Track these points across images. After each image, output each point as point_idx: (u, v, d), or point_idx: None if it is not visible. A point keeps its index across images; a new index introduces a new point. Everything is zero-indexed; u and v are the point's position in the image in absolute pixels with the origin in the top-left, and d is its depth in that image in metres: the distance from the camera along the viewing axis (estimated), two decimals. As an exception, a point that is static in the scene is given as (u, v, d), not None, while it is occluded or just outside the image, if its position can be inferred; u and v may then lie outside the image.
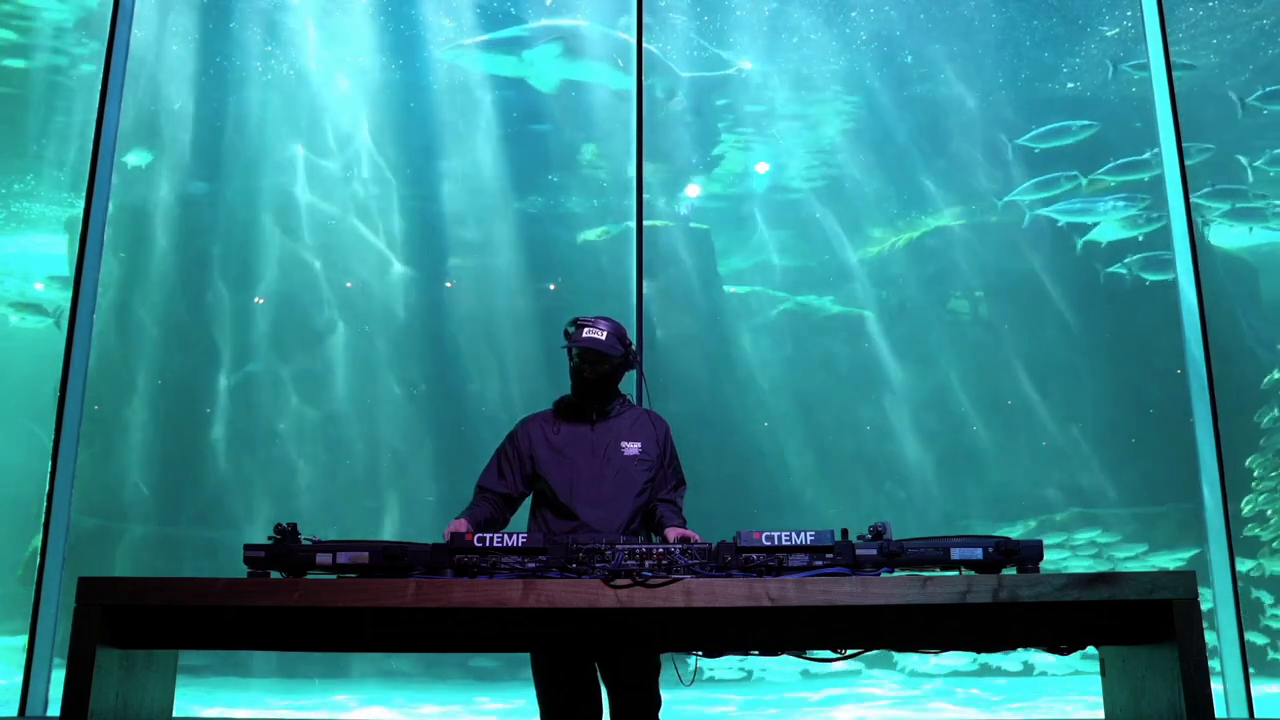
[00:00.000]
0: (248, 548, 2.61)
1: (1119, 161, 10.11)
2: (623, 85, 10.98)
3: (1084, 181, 10.40)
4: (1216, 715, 2.40)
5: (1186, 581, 2.43)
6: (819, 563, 2.56)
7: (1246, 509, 8.72)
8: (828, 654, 2.65)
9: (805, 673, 9.05)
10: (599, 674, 3.24)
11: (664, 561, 2.53)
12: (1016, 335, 11.04)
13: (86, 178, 4.91)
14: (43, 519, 4.60)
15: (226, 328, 10.31)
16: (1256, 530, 8.72)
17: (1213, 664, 2.73)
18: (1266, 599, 8.71)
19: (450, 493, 8.89)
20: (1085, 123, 10.33)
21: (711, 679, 8.95)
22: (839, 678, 9.05)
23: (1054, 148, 10.55)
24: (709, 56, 12.08)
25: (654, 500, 3.36)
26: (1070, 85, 12.00)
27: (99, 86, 5.01)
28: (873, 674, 9.23)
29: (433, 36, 11.22)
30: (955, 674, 9.04)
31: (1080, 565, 9.22)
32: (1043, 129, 10.50)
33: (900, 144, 12.03)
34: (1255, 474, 8.81)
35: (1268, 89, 9.65)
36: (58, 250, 11.14)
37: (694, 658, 2.85)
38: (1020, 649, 2.71)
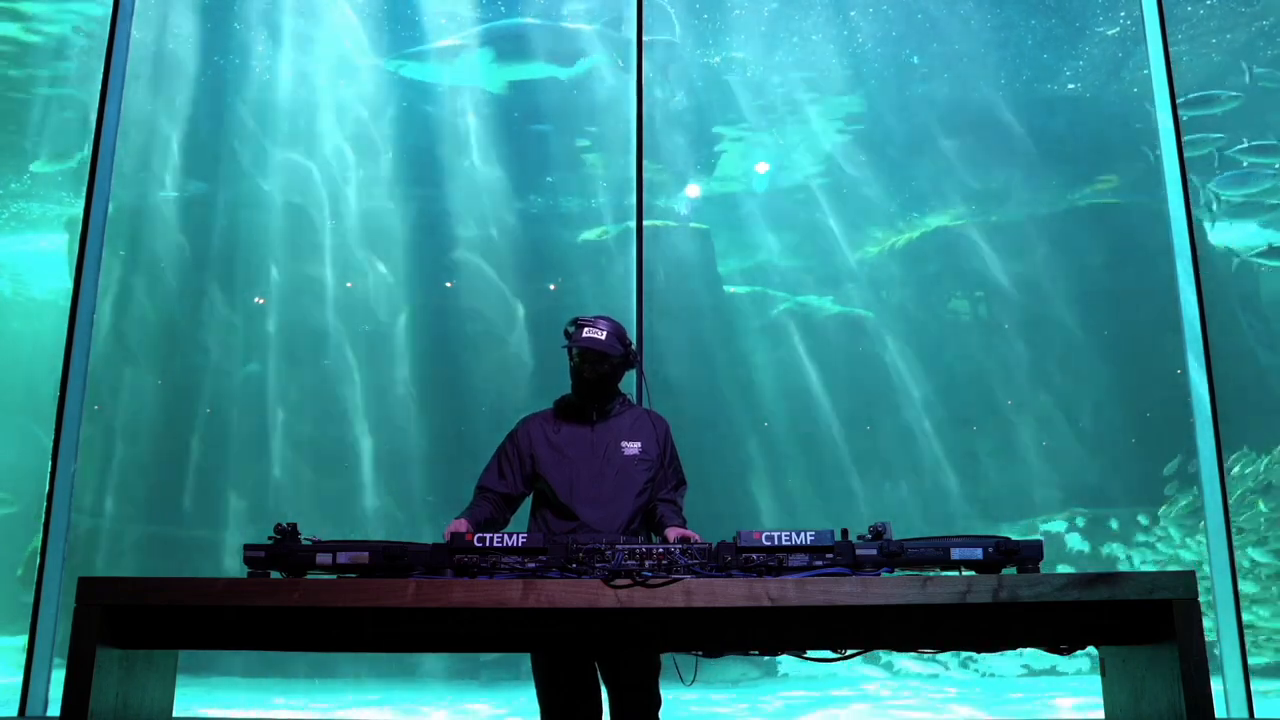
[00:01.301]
0: (248, 548, 2.60)
1: (1256, 143, 9.87)
2: (568, 74, 11.05)
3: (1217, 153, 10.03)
4: (1216, 715, 2.40)
5: (1186, 581, 2.43)
6: (819, 563, 2.56)
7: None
8: (828, 654, 2.64)
9: (896, 671, 9.02)
10: (599, 674, 3.24)
11: (664, 561, 2.53)
12: (1016, 335, 11.05)
13: (86, 178, 4.91)
14: (43, 519, 4.60)
15: (226, 328, 10.31)
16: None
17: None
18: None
19: (450, 493, 8.90)
20: (1233, 94, 9.93)
21: (785, 675, 8.94)
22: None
23: (1197, 116, 10.08)
24: (707, 55, 12.08)
25: (654, 500, 3.36)
26: (1071, 86, 12.00)
27: (99, 86, 5.01)
28: (953, 675, 9.16)
29: (433, 36, 11.22)
30: (1030, 673, 8.99)
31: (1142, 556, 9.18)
32: (1190, 96, 10.12)
33: (900, 144, 12.04)
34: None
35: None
36: (58, 250, 11.15)
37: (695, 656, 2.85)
38: (1021, 649, 2.71)
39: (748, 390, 11.15)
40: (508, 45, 10.97)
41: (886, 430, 10.90)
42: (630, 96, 5.62)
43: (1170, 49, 5.18)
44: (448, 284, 11.02)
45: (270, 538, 2.62)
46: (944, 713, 8.13)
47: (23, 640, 4.53)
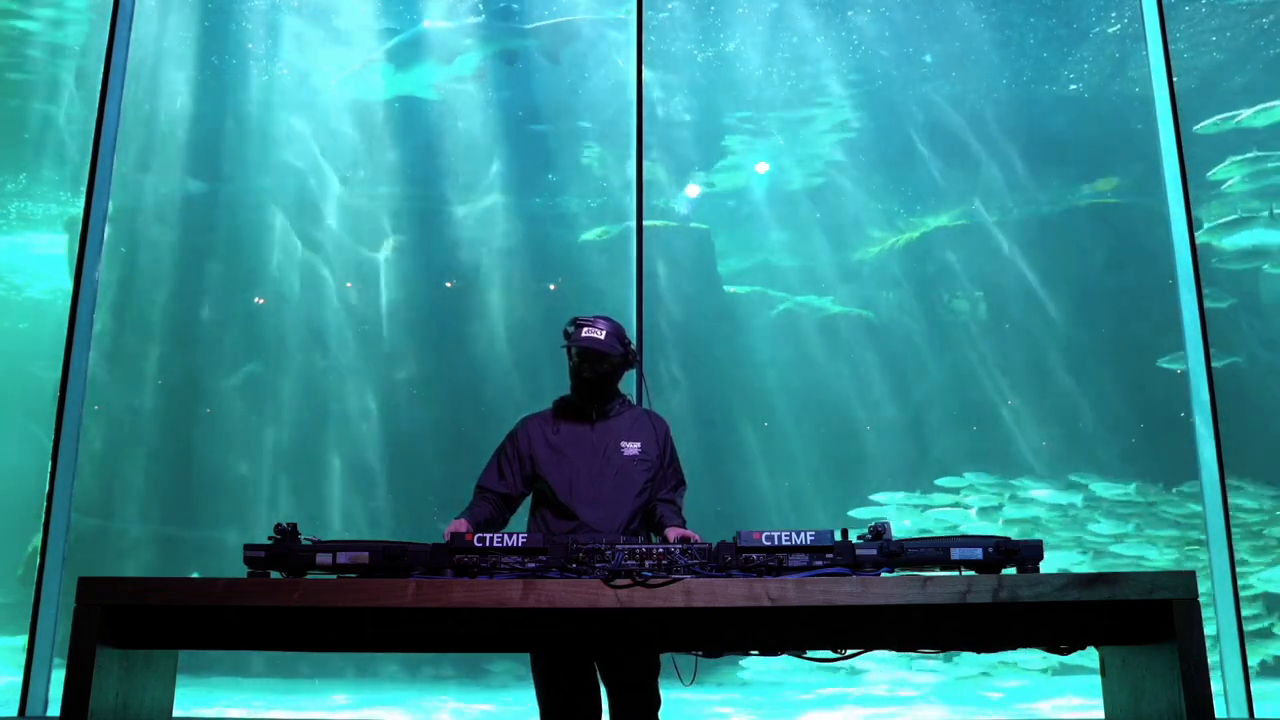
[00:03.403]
0: (248, 548, 2.61)
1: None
2: (460, 74, 11.10)
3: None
4: (1216, 715, 2.40)
5: (1186, 581, 2.43)
6: (819, 563, 2.56)
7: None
8: (828, 654, 2.65)
9: (986, 674, 8.96)
10: (599, 674, 3.24)
11: (664, 561, 2.53)
12: (1016, 335, 11.04)
13: (86, 177, 4.91)
14: (43, 519, 4.60)
15: (226, 327, 10.31)
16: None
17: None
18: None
19: (450, 493, 8.90)
20: None
21: (857, 669, 8.99)
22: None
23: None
24: (708, 54, 12.08)
25: (654, 500, 3.37)
26: (1073, 87, 12.00)
27: (99, 86, 5.01)
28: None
29: (432, 36, 11.22)
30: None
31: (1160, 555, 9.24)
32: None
33: (900, 144, 12.03)
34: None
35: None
36: (58, 250, 11.14)
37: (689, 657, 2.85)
38: (1021, 649, 2.72)
39: (748, 390, 11.14)
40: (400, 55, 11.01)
41: (887, 430, 10.89)
42: (630, 96, 5.62)
43: (1170, 47, 5.18)
44: (448, 284, 11.02)
45: (270, 538, 2.63)
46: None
47: (23, 640, 4.53)
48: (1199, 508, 9.19)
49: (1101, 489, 9.61)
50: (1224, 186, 10.19)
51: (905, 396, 11.00)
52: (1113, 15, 11.28)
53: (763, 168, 12.72)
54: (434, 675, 9.15)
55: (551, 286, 11.16)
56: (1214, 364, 9.52)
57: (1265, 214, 9.86)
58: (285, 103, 11.03)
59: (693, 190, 12.47)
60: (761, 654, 2.68)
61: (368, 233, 10.92)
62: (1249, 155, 10.03)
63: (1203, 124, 10.06)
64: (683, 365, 10.64)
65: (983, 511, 9.67)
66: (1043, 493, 9.72)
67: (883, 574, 2.54)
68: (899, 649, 2.71)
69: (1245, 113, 9.93)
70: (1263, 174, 10.01)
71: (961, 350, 11.16)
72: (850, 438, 10.93)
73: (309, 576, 2.58)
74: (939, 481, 9.97)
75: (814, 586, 2.45)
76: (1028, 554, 2.57)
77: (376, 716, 7.99)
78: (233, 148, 10.83)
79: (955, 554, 2.58)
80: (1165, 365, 9.62)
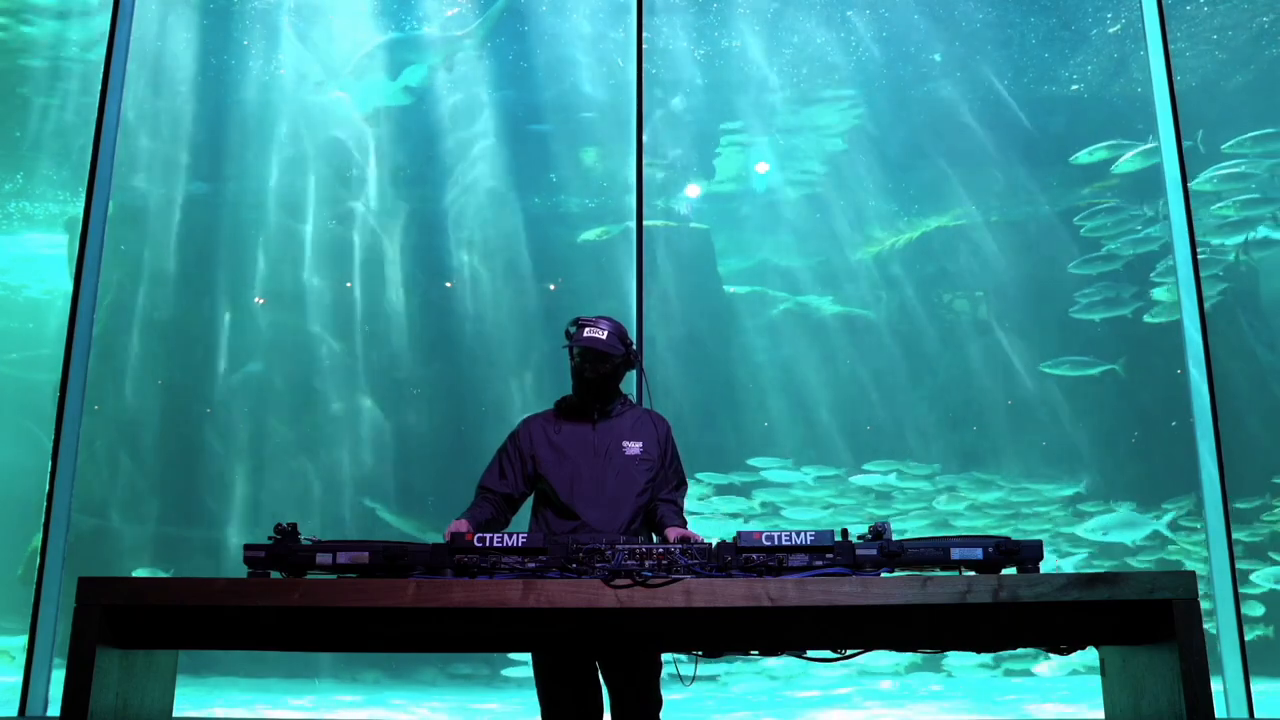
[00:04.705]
0: (248, 548, 2.61)
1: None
2: (459, 73, 11.10)
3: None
4: (1216, 715, 2.40)
5: (1186, 581, 2.43)
6: (819, 563, 2.56)
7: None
8: (828, 654, 2.65)
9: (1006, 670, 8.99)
10: (600, 673, 3.24)
11: (664, 561, 2.53)
12: (1016, 335, 11.04)
13: (86, 177, 4.91)
14: (43, 519, 4.60)
15: (226, 327, 10.31)
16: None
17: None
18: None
19: (450, 493, 8.89)
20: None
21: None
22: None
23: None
24: (708, 53, 12.09)
25: (654, 500, 3.37)
26: (1075, 88, 11.99)
27: (99, 85, 5.01)
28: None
29: (432, 36, 11.22)
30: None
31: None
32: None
33: (901, 143, 12.03)
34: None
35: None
36: (58, 250, 11.14)
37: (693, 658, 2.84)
38: (1020, 649, 2.71)
39: (748, 390, 11.14)
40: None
41: (886, 430, 10.89)
42: (630, 96, 5.62)
43: (1170, 47, 5.18)
44: (448, 284, 11.02)
45: (270, 538, 2.62)
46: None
47: (23, 640, 4.53)
48: (996, 494, 9.72)
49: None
50: (1082, 231, 10.36)
51: (905, 396, 11.00)
52: (1109, 16, 11.28)
53: (763, 167, 12.72)
54: (468, 675, 9.16)
55: (551, 286, 11.16)
56: (1091, 370, 9.76)
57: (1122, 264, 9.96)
58: (285, 103, 11.03)
59: (693, 190, 12.47)
60: (761, 654, 2.68)
61: (367, 233, 10.92)
62: (1107, 204, 10.11)
63: (1077, 154, 10.21)
64: (683, 365, 10.64)
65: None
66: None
67: (883, 574, 2.54)
68: (899, 649, 2.71)
69: (1128, 154, 9.97)
70: (1121, 222, 10.11)
71: (961, 349, 11.16)
72: (850, 437, 10.93)
73: (309, 576, 2.58)
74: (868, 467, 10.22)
75: (814, 586, 2.45)
76: (1028, 554, 2.57)
77: (378, 716, 7.99)
78: (233, 148, 10.83)
79: (955, 554, 2.58)
80: (1046, 369, 10.02)
